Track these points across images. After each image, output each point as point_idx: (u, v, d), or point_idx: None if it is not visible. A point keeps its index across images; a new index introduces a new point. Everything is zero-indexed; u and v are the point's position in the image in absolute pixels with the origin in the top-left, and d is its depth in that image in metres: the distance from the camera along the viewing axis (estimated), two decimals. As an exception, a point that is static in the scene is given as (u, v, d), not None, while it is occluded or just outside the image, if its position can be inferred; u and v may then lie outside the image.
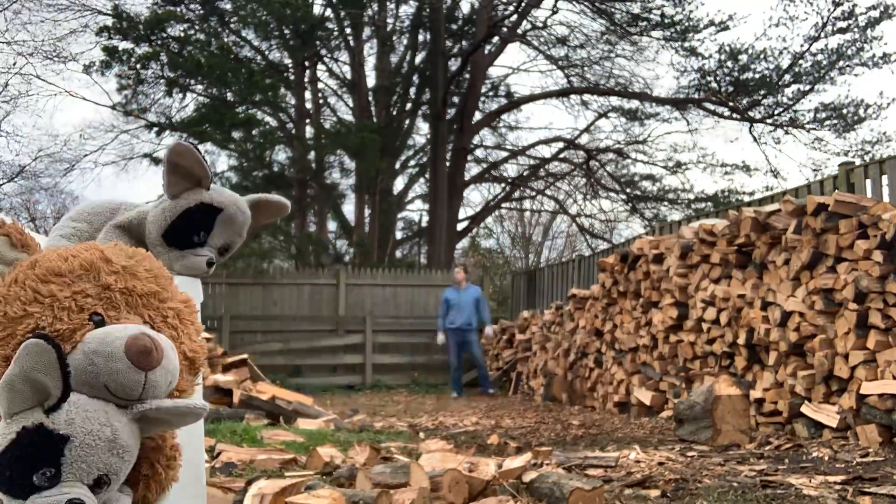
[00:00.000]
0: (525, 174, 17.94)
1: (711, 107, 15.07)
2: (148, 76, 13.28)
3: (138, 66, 12.85)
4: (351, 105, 16.27)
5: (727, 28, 14.39)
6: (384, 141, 13.79)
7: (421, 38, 15.80)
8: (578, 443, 4.92)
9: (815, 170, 14.46)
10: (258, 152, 13.42)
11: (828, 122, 13.99)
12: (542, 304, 11.15)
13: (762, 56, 13.89)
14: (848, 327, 4.22)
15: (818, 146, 14.34)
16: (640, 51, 15.70)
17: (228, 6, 13.78)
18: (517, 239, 24.74)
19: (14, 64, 14.66)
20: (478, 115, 16.25)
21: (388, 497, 2.50)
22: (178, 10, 13.46)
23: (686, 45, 14.69)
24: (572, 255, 17.21)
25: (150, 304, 1.11)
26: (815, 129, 14.18)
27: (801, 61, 13.58)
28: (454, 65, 15.48)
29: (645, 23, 14.84)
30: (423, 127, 16.93)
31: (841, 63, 13.32)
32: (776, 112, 14.40)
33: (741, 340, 5.13)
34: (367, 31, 15.39)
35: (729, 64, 14.20)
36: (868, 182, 5.81)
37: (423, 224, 17.22)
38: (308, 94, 15.64)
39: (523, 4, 15.07)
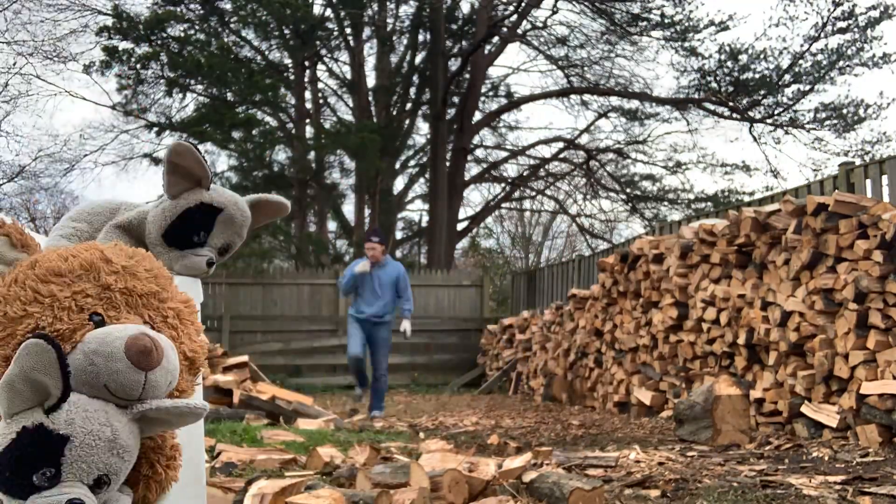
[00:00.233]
0: (525, 174, 17.95)
1: (711, 107, 15.08)
2: (148, 76, 13.29)
3: (138, 66, 12.85)
4: (351, 105, 16.27)
5: (727, 28, 14.40)
6: (384, 141, 13.79)
7: (421, 38, 15.81)
8: (578, 443, 4.92)
9: (815, 170, 14.47)
10: (258, 152, 13.42)
11: (828, 122, 13.99)
12: (542, 304, 11.15)
13: (762, 56, 13.89)
14: (848, 327, 4.22)
15: (818, 146, 14.34)
16: (640, 51, 15.71)
17: (228, 6, 13.79)
18: (517, 239, 24.75)
19: (14, 64, 14.67)
20: (478, 115, 16.25)
21: (388, 497, 2.50)
22: (178, 10, 13.46)
23: (686, 45, 14.69)
24: (572, 255, 17.22)
25: (150, 304, 1.11)
26: (815, 129, 14.19)
27: (801, 61, 13.58)
28: (454, 65, 15.48)
29: (645, 23, 14.85)
30: (423, 127, 16.95)
31: (841, 63, 13.32)
32: (776, 112, 14.40)
33: (741, 340, 5.13)
34: (367, 31, 15.39)
35: (729, 64, 14.20)
36: (868, 182, 5.81)
37: (423, 224, 17.23)
38: (308, 94, 15.65)
39: (523, 4, 15.07)
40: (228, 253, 1.55)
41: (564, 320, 8.39)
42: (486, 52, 15.45)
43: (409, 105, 16.13)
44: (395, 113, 15.79)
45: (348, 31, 15.17)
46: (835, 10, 12.88)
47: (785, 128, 14.51)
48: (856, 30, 12.99)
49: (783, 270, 4.84)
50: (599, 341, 7.49)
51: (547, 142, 17.43)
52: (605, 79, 16.36)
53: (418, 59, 15.97)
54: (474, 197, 37.77)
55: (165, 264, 1.25)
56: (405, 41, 16.02)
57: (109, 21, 13.14)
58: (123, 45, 12.88)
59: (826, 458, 3.66)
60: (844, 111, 13.72)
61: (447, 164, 15.05)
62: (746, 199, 13.49)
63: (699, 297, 5.69)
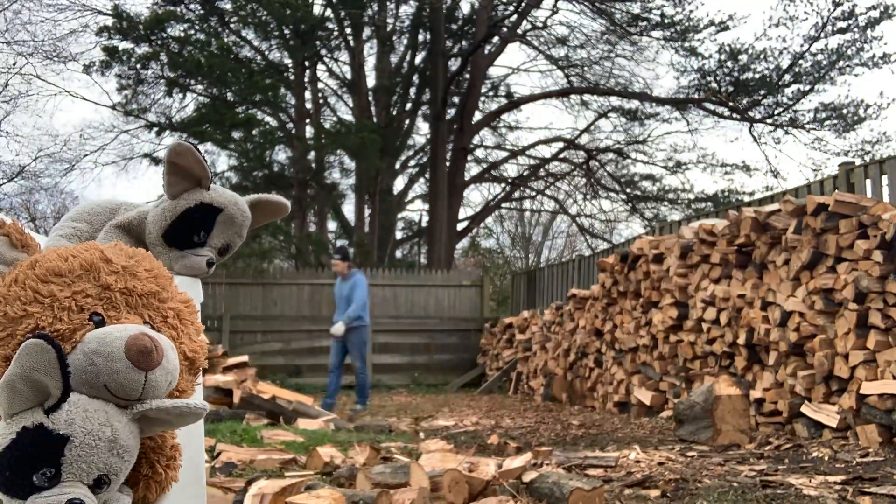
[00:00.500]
0: (525, 174, 17.95)
1: (711, 107, 15.07)
2: (148, 76, 13.29)
3: (138, 66, 12.85)
4: (351, 105, 16.27)
5: (727, 28, 14.40)
6: (384, 141, 13.79)
7: (421, 38, 15.81)
8: (578, 443, 4.92)
9: (815, 170, 14.47)
10: (258, 152, 13.42)
11: (828, 122, 13.99)
12: (542, 304, 11.15)
13: (762, 56, 13.89)
14: (848, 327, 4.22)
15: (818, 146, 14.35)
16: (640, 51, 15.71)
17: (228, 6, 13.79)
18: (517, 239, 24.75)
19: (14, 64, 14.67)
20: (478, 115, 16.25)
21: (388, 497, 2.50)
22: (178, 10, 13.46)
23: (686, 45, 14.69)
24: (572, 255, 17.22)
25: (150, 304, 1.11)
26: (815, 129, 14.19)
27: (801, 61, 13.58)
28: (454, 65, 15.48)
29: (645, 23, 14.85)
30: (423, 127, 16.95)
31: (841, 63, 13.32)
32: (776, 112, 14.40)
33: (741, 340, 5.13)
34: (367, 31, 15.39)
35: (729, 64, 14.20)
36: (868, 182, 5.81)
37: (423, 224, 17.23)
38: (308, 94, 15.64)
39: (523, 4, 15.07)
40: (228, 253, 1.55)
41: (564, 320, 8.39)
42: (486, 52, 15.45)
43: (409, 105, 16.14)
44: (395, 113, 15.79)
45: (348, 31, 15.17)
46: (835, 10, 12.89)
47: (785, 128, 14.51)
48: (856, 30, 12.99)
49: (783, 270, 4.84)
50: (599, 341, 7.49)
51: (547, 142, 17.43)
52: (605, 79, 16.37)
53: (418, 59, 15.97)
54: (474, 197, 37.78)
55: (165, 264, 1.25)
56: (405, 41, 16.02)
57: (109, 21, 13.14)
58: (123, 45, 12.88)
59: (826, 458, 3.66)
60: (844, 111, 13.72)
61: (447, 164, 15.05)
62: (746, 199, 13.49)
63: (699, 297, 5.69)
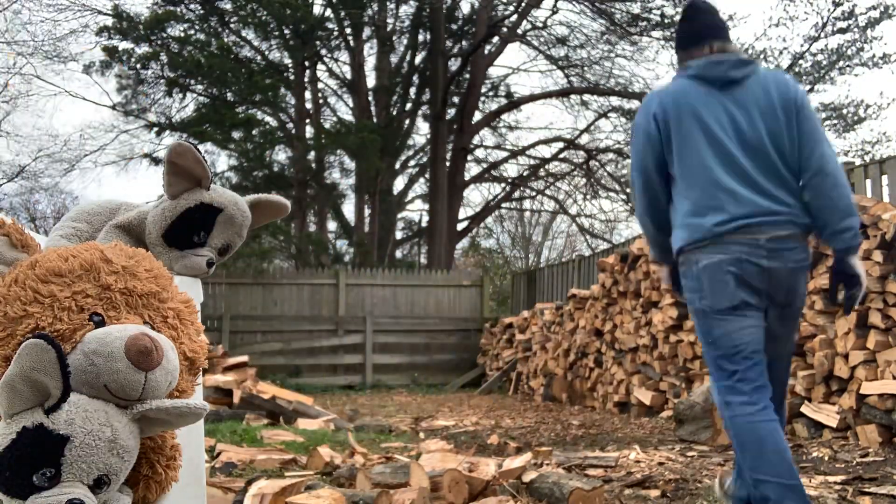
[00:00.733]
0: (525, 174, 17.95)
1: (712, 107, 15.04)
2: (148, 76, 13.29)
3: (138, 66, 12.86)
4: (351, 105, 16.27)
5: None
6: (384, 141, 13.78)
7: (421, 38, 15.81)
8: (578, 443, 4.92)
9: (815, 170, 14.44)
10: (258, 152, 13.42)
11: (828, 122, 13.99)
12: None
13: (762, 56, 13.89)
14: (848, 327, 4.22)
15: (818, 146, 14.32)
16: (640, 51, 15.71)
17: (228, 6, 13.78)
18: (517, 239, 24.75)
19: (14, 64, 14.67)
20: (478, 115, 16.25)
21: (388, 497, 2.50)
22: (178, 10, 13.46)
23: (686, 45, 14.66)
24: (572, 255, 17.22)
25: (150, 304, 1.11)
26: (815, 128, 14.17)
27: (801, 61, 13.58)
28: (454, 65, 15.48)
29: (645, 23, 14.84)
30: (423, 127, 16.95)
31: (841, 63, 13.32)
32: (776, 112, 14.37)
33: (741, 340, 5.13)
34: (367, 31, 15.39)
35: (729, 64, 14.17)
36: (868, 182, 5.81)
37: (423, 224, 17.22)
38: (308, 94, 15.64)
39: (523, 4, 15.07)
40: (228, 253, 1.55)
41: (564, 320, 8.39)
42: (486, 52, 15.45)
43: (409, 105, 16.13)
44: (395, 113, 15.79)
45: (348, 31, 15.17)
46: (835, 10, 12.89)
47: (785, 128, 14.49)
48: (856, 30, 13.00)
49: (783, 270, 4.83)
50: (599, 341, 7.49)
51: (547, 142, 17.43)
52: (605, 79, 16.36)
53: (418, 59, 15.97)
54: (474, 197, 37.81)
55: (165, 264, 1.25)
56: (405, 41, 16.02)
57: (109, 21, 13.14)
58: (123, 45, 12.88)
59: (826, 458, 3.66)
60: (844, 111, 13.72)
61: (447, 164, 15.05)
62: (746, 199, 13.46)
63: (699, 297, 5.68)
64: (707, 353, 2.37)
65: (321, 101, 16.31)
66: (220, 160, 26.40)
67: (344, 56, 16.03)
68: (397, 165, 16.61)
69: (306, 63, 14.78)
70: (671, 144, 2.31)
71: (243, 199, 1.56)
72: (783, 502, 2.09)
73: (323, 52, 15.15)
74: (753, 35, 22.36)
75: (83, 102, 30.96)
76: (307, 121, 15.18)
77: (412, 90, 15.98)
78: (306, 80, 15.36)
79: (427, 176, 16.28)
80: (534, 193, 18.78)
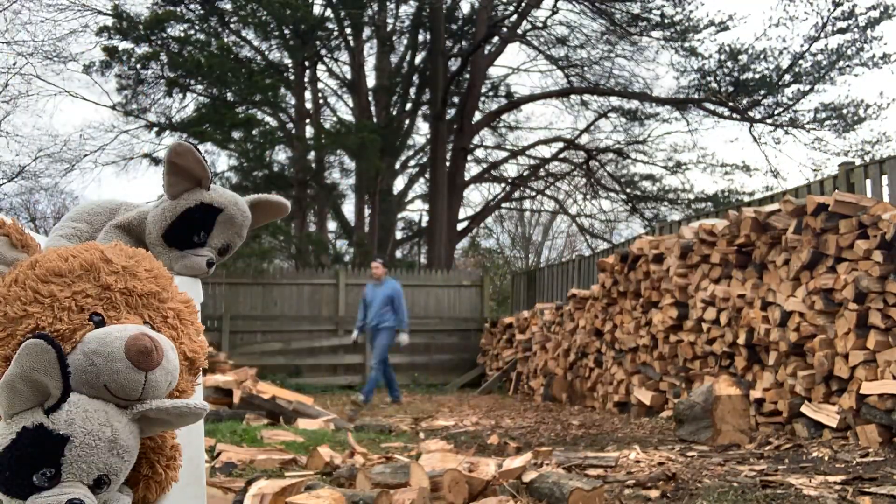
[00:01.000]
0: (525, 174, 17.95)
1: (711, 107, 15.08)
2: (148, 76, 13.29)
3: (138, 66, 12.85)
4: (351, 105, 16.27)
5: (727, 28, 14.40)
6: (384, 141, 13.78)
7: (421, 38, 15.81)
8: (578, 443, 4.92)
9: (815, 170, 14.47)
10: (258, 152, 13.42)
11: (828, 122, 13.99)
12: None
13: (762, 56, 13.89)
14: (848, 327, 4.22)
15: (818, 146, 14.35)
16: (640, 51, 15.71)
17: (228, 6, 13.78)
18: (517, 239, 24.75)
19: (14, 64, 14.67)
20: (478, 115, 16.25)
21: (388, 497, 2.50)
22: (178, 10, 13.46)
23: (686, 45, 14.69)
24: (572, 255, 17.22)
25: (150, 304, 1.11)
26: (815, 129, 14.19)
27: (801, 61, 13.59)
28: (454, 65, 15.48)
29: (645, 23, 14.85)
30: (423, 127, 16.95)
31: (841, 63, 13.32)
32: (776, 112, 14.40)
33: (741, 340, 5.13)
34: (367, 31, 15.39)
35: (729, 64, 14.20)
36: (868, 182, 5.81)
37: (423, 224, 17.23)
38: (308, 94, 15.65)
39: (523, 4, 15.07)
40: (228, 253, 1.55)
41: (564, 320, 8.39)
42: (486, 52, 15.45)
43: (409, 105, 16.13)
44: (395, 113, 15.79)
45: (348, 31, 15.17)
46: (835, 10, 12.89)
47: (785, 128, 14.51)
48: (856, 30, 13.00)
49: (783, 270, 4.84)
50: (599, 341, 7.48)
51: (547, 142, 17.43)
52: (605, 79, 16.36)
53: (418, 59, 15.97)
54: (474, 197, 37.79)
55: (165, 264, 1.25)
56: (405, 41, 16.02)
57: (109, 21, 13.14)
58: (123, 45, 12.88)
59: (826, 458, 3.66)
60: (844, 111, 13.72)
61: (447, 164, 15.05)
62: (746, 199, 13.49)
63: (699, 297, 5.69)
64: None
65: (321, 101, 16.31)
66: (220, 160, 26.41)
67: (344, 56, 16.04)
68: (397, 165, 16.61)
69: (306, 63, 14.78)
70: None
71: (243, 199, 1.56)
72: None
73: (323, 52, 15.15)
74: (753, 35, 22.35)
75: (83, 102, 30.95)
76: (307, 121, 15.19)
77: (412, 90, 15.98)
78: (306, 80, 15.36)
79: (427, 176, 16.28)
80: (534, 193, 18.79)
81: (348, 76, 16.02)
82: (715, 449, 4.17)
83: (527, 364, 9.55)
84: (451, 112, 15.57)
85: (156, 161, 14.09)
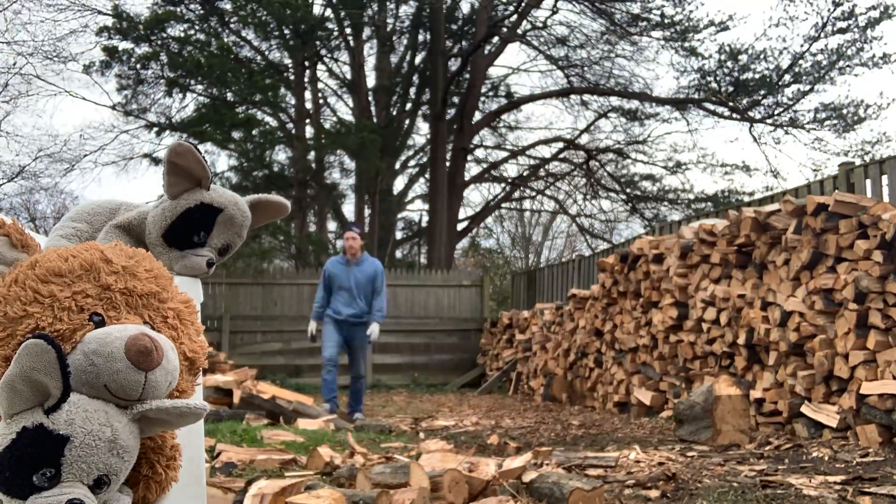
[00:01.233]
0: (525, 174, 17.95)
1: (711, 107, 15.08)
2: (148, 76, 13.29)
3: (138, 66, 12.86)
4: (351, 105, 16.27)
5: (727, 28, 14.40)
6: (384, 141, 13.78)
7: (421, 38, 15.81)
8: (578, 443, 4.92)
9: (815, 170, 14.48)
10: (258, 152, 13.42)
11: (828, 122, 13.99)
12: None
13: (762, 56, 13.89)
14: (848, 327, 4.22)
15: (818, 146, 14.35)
16: (640, 51, 15.71)
17: (228, 6, 13.78)
18: (517, 239, 24.75)
19: (14, 64, 14.67)
20: (478, 115, 16.25)
21: (388, 497, 2.50)
22: (178, 10, 13.46)
23: (686, 45, 14.69)
24: (572, 255, 17.22)
25: (150, 304, 1.10)
26: (815, 129, 14.19)
27: (801, 61, 13.59)
28: (454, 65, 15.48)
29: (645, 23, 14.85)
30: (423, 127, 16.95)
31: (841, 63, 13.32)
32: (776, 112, 14.40)
33: (741, 340, 5.13)
34: (367, 31, 15.39)
35: (729, 64, 14.21)
36: (868, 182, 5.81)
37: (423, 224, 17.22)
38: (308, 94, 15.65)
39: (523, 4, 15.07)
40: (228, 253, 1.54)
41: (564, 320, 8.39)
42: (486, 52, 15.45)
43: (409, 105, 16.13)
44: (395, 113, 15.79)
45: (348, 31, 15.17)
46: (835, 10, 12.89)
47: (785, 128, 14.52)
48: (856, 30, 13.00)
49: (783, 270, 4.84)
50: (599, 341, 7.48)
51: (547, 142, 17.43)
52: (605, 79, 16.37)
53: (418, 59, 15.97)
54: (474, 197, 37.77)
55: (165, 264, 1.25)
56: (405, 41, 16.02)
57: (109, 21, 13.14)
58: (123, 45, 12.88)
59: (826, 458, 3.66)
60: (844, 111, 13.72)
61: (447, 164, 15.05)
62: (746, 199, 13.49)
63: (699, 297, 5.69)
64: None
65: (321, 101, 16.31)
66: (220, 160, 26.42)
67: (344, 56, 16.04)
68: (397, 165, 16.61)
69: (306, 63, 14.78)
70: None
71: (243, 200, 1.56)
72: None
73: (323, 52, 15.15)
74: (753, 35, 22.36)
75: (83, 102, 30.96)
76: (307, 121, 15.18)
77: (412, 90, 15.98)
78: (306, 80, 15.36)
79: (427, 176, 16.28)
80: (534, 193, 18.79)
81: (348, 76, 16.02)
82: (715, 449, 4.17)
83: (527, 364, 9.56)
84: (451, 112, 15.57)
85: (156, 161, 14.09)
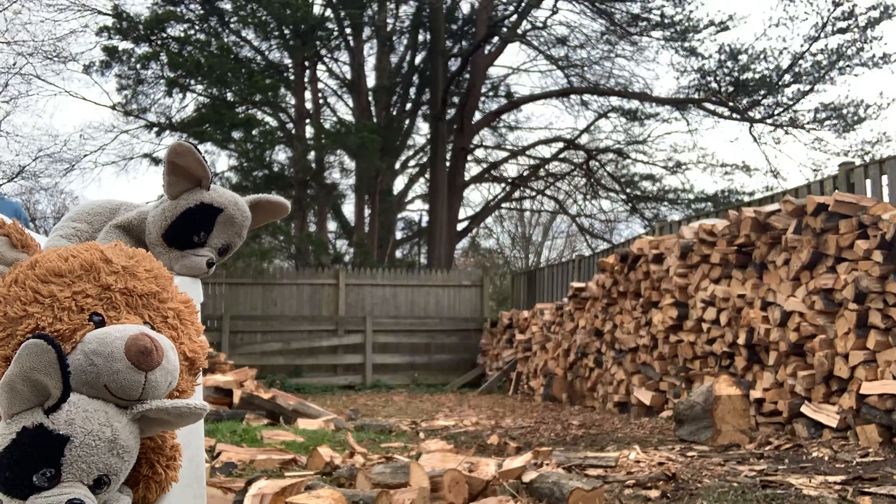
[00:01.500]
0: (525, 174, 17.95)
1: (711, 107, 15.08)
2: (148, 76, 13.30)
3: (138, 66, 12.86)
4: (351, 105, 16.28)
5: (727, 28, 14.41)
6: (384, 141, 13.78)
7: (421, 38, 15.81)
8: (578, 443, 4.92)
9: (815, 170, 14.48)
10: (258, 152, 13.42)
11: (828, 122, 14.00)
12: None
13: (762, 56, 13.90)
14: (848, 327, 4.22)
15: (818, 146, 14.35)
16: (640, 51, 15.72)
17: (228, 6, 13.79)
18: (517, 239, 24.75)
19: (14, 64, 14.67)
20: (478, 115, 16.25)
21: (388, 497, 2.50)
22: (178, 10, 13.47)
23: (686, 45, 14.70)
24: (572, 255, 17.21)
25: (150, 304, 1.10)
26: (815, 129, 14.20)
27: (801, 61, 13.59)
28: (454, 65, 15.48)
29: (645, 23, 14.86)
30: (423, 127, 16.96)
31: (841, 63, 13.33)
32: (776, 112, 14.41)
33: (741, 340, 5.13)
34: (367, 31, 15.39)
35: (729, 64, 14.21)
36: (868, 182, 5.81)
37: (423, 224, 17.23)
38: (308, 94, 15.65)
39: (523, 4, 15.08)
40: (228, 253, 1.54)
41: (564, 320, 8.39)
42: (486, 52, 15.45)
43: (409, 105, 16.14)
44: (395, 113, 15.79)
45: (348, 31, 15.18)
46: (835, 10, 12.89)
47: (785, 128, 14.52)
48: (856, 30, 13.00)
49: (783, 270, 4.84)
50: (599, 341, 7.48)
51: (547, 142, 17.43)
52: (605, 79, 16.38)
53: (418, 59, 15.97)
54: (474, 197, 37.82)
55: (165, 264, 1.25)
56: (405, 41, 16.03)
57: (109, 21, 13.15)
58: (123, 45, 12.89)
59: (826, 458, 3.66)
60: (844, 111, 13.73)
61: (447, 164, 15.05)
62: (746, 199, 13.49)
63: (699, 297, 5.69)
64: None
65: (321, 101, 16.31)
66: (220, 160, 26.44)
67: (344, 56, 16.05)
68: (397, 165, 16.61)
69: (306, 63, 14.78)
70: None
71: (243, 200, 1.56)
72: None
73: (323, 52, 15.16)
74: (753, 35, 22.37)
75: (83, 102, 30.96)
76: (307, 121, 15.19)
77: (412, 90, 15.98)
78: (306, 80, 15.36)
79: (427, 176, 16.29)
80: (534, 193, 18.79)
81: (348, 76, 16.02)
82: (715, 449, 4.17)
83: (527, 364, 9.56)
84: (451, 112, 15.57)
85: (156, 161, 14.09)
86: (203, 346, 1.16)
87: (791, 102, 14.17)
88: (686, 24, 14.51)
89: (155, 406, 1.02)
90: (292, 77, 14.94)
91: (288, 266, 13.90)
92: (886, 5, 12.57)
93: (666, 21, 14.55)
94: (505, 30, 15.30)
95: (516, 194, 18.63)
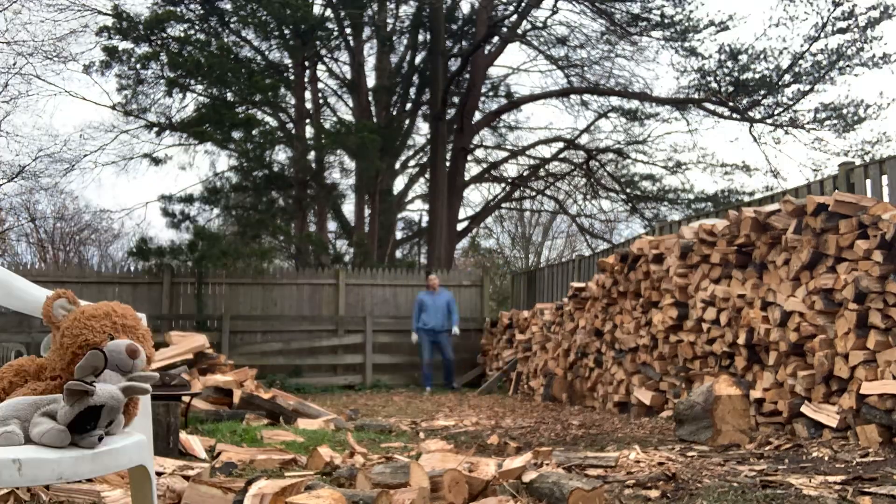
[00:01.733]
0: (525, 174, 17.95)
1: (711, 107, 15.08)
2: (148, 76, 13.29)
3: (138, 66, 12.85)
4: (351, 105, 16.27)
5: (727, 28, 14.40)
6: (384, 141, 13.78)
7: (421, 38, 15.81)
8: (578, 443, 4.92)
9: (815, 170, 14.48)
10: (258, 152, 13.41)
11: (828, 122, 14.00)
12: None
13: (762, 56, 13.90)
14: (848, 327, 4.22)
15: (818, 146, 14.36)
16: (640, 51, 15.72)
17: (228, 6, 13.78)
18: (517, 239, 24.76)
19: (14, 64, 14.67)
20: (478, 115, 16.25)
21: (388, 497, 2.50)
22: (178, 10, 13.46)
23: (686, 45, 14.70)
24: (572, 255, 17.22)
25: (133, 330, 2.00)
26: (815, 129, 14.20)
27: (801, 61, 13.59)
28: (454, 65, 15.48)
29: (645, 23, 14.86)
30: (423, 127, 16.95)
31: (841, 63, 13.33)
32: (776, 112, 14.41)
33: (741, 340, 5.14)
34: (367, 31, 15.39)
35: (729, 64, 14.21)
36: (868, 182, 5.82)
37: (423, 224, 17.23)
38: (308, 94, 15.64)
39: (523, 4, 15.07)
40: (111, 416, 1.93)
41: (564, 320, 8.39)
42: (486, 52, 15.45)
43: (409, 105, 16.13)
44: (395, 113, 15.79)
45: (348, 31, 15.17)
46: (835, 10, 12.89)
47: (785, 128, 14.52)
48: (856, 30, 13.00)
49: (783, 270, 4.84)
50: (599, 341, 7.49)
51: (547, 142, 17.43)
52: (605, 79, 16.38)
53: (418, 59, 15.97)
54: (474, 197, 37.83)
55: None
56: (405, 41, 16.02)
57: (109, 21, 13.14)
58: (123, 45, 12.88)
59: (826, 458, 3.66)
60: (844, 111, 13.73)
61: (447, 164, 15.05)
62: (746, 199, 13.50)
63: (699, 297, 5.69)
64: None
65: (321, 101, 16.31)
66: (220, 160, 26.41)
67: (344, 56, 16.05)
68: (397, 165, 16.61)
69: (306, 63, 14.78)
70: None
71: (116, 389, 1.85)
72: None
73: (323, 52, 15.15)
74: (753, 35, 22.37)
75: (83, 102, 30.96)
76: (307, 121, 15.18)
77: (412, 90, 15.98)
78: (306, 80, 15.36)
79: (427, 176, 16.28)
80: (534, 193, 18.79)
81: (348, 76, 16.02)
82: (715, 449, 4.17)
83: (527, 364, 9.56)
84: (451, 112, 15.57)
85: (156, 161, 14.09)
86: (152, 351, 2.03)
87: (791, 102, 14.17)
88: (686, 24, 14.51)
89: (137, 377, 1.88)
90: (292, 77, 14.94)
91: (288, 266, 13.90)
92: (886, 5, 12.57)
93: (666, 21, 14.55)
94: (505, 30, 15.30)
95: (516, 194, 18.63)
